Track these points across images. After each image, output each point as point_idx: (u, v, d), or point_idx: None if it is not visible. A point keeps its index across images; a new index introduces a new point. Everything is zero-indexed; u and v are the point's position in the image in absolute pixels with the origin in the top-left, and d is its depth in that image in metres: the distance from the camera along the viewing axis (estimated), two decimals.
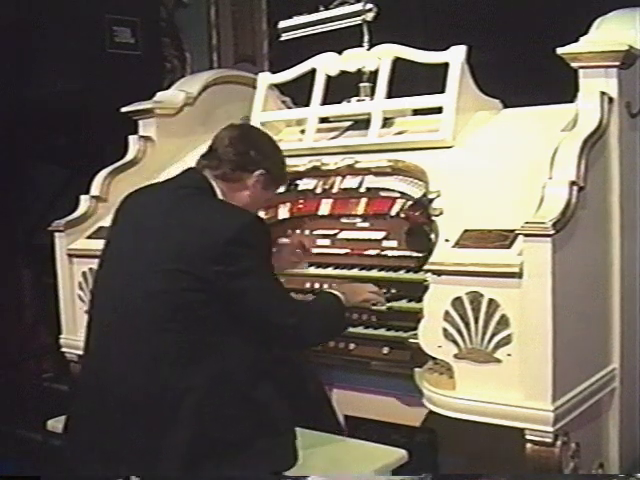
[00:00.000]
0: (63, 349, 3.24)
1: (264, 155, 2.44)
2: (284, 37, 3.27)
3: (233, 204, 2.40)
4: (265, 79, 3.23)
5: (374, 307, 2.60)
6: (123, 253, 2.34)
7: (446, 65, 2.75)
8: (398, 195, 2.69)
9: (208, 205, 2.34)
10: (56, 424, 2.82)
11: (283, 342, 2.40)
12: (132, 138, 3.44)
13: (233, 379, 2.19)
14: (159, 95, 3.48)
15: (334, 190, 2.84)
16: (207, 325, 2.17)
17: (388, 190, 2.71)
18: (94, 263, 3.01)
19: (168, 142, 3.46)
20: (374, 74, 2.92)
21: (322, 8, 3.14)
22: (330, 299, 2.48)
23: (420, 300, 2.29)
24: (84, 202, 3.28)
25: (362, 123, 2.93)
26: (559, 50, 2.33)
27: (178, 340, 2.16)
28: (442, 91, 2.74)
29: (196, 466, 2.12)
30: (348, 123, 3.05)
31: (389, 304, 2.60)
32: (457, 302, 2.14)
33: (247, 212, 2.35)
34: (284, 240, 2.93)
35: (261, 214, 2.98)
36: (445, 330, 2.17)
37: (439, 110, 2.75)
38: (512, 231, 2.12)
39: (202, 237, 2.18)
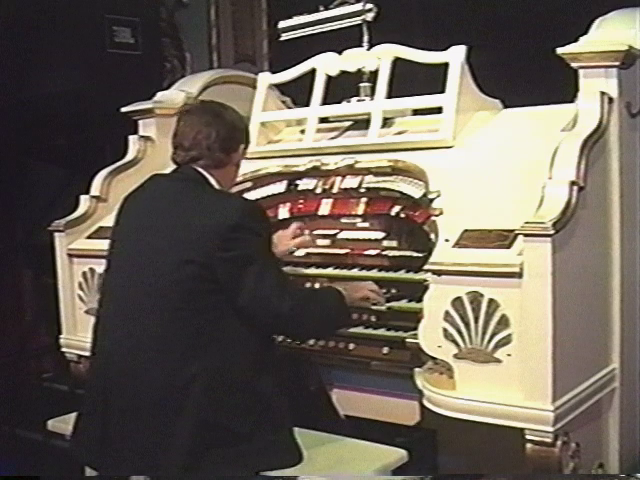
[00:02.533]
0: (63, 349, 3.23)
1: (242, 129, 2.54)
2: (284, 37, 3.27)
3: (232, 193, 2.50)
4: (265, 79, 3.23)
5: (374, 307, 2.60)
6: (130, 250, 2.36)
7: (446, 65, 2.75)
8: (398, 195, 2.68)
9: (208, 195, 2.38)
10: (56, 424, 2.82)
11: (281, 329, 2.41)
12: (132, 138, 3.43)
13: (236, 369, 2.20)
14: (159, 95, 3.48)
15: (334, 190, 2.83)
16: (212, 314, 2.20)
17: (388, 190, 2.71)
18: (94, 263, 3.02)
19: (168, 142, 3.39)
20: (374, 74, 2.92)
21: (322, 8, 3.14)
22: (332, 292, 2.49)
23: (420, 300, 2.28)
24: (84, 202, 3.28)
25: (362, 123, 2.93)
26: (559, 50, 2.33)
27: (184, 329, 2.18)
28: (442, 91, 2.74)
29: (200, 458, 2.12)
30: (348, 123, 3.05)
31: (389, 304, 2.59)
32: (457, 302, 2.14)
33: (247, 200, 2.44)
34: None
35: None
36: (445, 330, 2.17)
37: (439, 110, 2.75)
38: (512, 231, 2.11)
39: (205, 226, 2.22)
